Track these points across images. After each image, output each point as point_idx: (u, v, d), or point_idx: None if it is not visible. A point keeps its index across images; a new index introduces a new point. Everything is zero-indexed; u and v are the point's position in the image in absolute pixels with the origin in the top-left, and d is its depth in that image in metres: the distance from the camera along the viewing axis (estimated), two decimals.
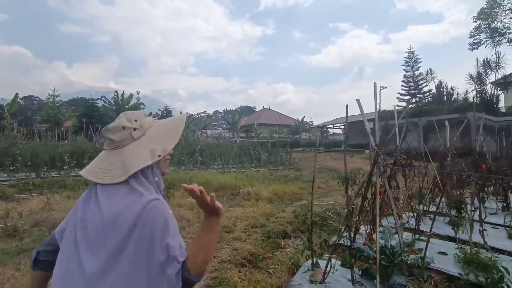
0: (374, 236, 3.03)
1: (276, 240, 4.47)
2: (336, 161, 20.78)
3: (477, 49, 20.08)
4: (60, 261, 0.99)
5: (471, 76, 20.20)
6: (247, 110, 76.17)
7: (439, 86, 27.75)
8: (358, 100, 3.57)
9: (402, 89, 30.86)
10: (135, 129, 1.08)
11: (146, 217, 0.94)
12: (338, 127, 36.50)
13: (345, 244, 3.37)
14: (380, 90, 23.04)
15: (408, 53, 30.34)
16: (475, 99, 19.88)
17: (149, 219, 0.94)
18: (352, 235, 3.05)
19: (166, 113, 44.74)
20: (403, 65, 30.48)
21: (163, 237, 0.93)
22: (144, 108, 35.16)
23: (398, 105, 29.98)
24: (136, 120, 1.10)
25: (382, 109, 24.20)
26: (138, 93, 31.83)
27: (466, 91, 24.12)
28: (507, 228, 4.60)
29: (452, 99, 24.95)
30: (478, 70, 20.00)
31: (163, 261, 0.91)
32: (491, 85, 19.70)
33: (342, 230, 3.14)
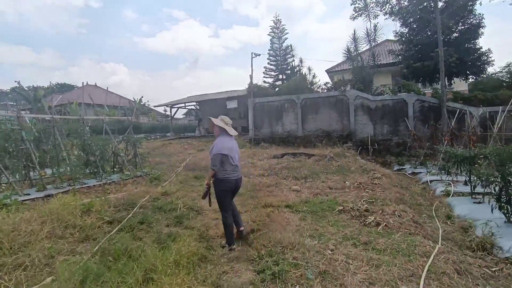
0: None
1: None
2: (202, 151, 14.92)
3: (357, 18, 18.04)
4: (232, 154, 4.33)
5: (348, 50, 18.26)
6: (67, 88, 59.09)
7: (299, 64, 25.83)
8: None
9: (269, 63, 27.07)
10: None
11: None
12: (188, 107, 30.59)
13: None
14: (253, 58, 18.55)
15: (274, 21, 26.66)
16: (353, 76, 18.06)
17: None
18: None
19: None
20: (269, 34, 26.88)
21: None
22: None
23: (264, 82, 26.60)
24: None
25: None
26: None
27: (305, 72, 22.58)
28: None
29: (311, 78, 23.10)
30: (355, 44, 18.18)
31: None
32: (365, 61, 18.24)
33: None
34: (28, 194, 6.37)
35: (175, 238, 4.04)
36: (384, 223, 5.18)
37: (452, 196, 7.71)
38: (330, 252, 4.01)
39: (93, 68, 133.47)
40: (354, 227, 5.05)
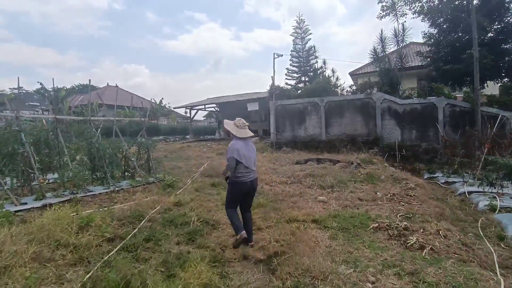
0: None
1: None
2: (221, 155, 14.34)
3: (385, 17, 17.06)
4: (243, 159, 4.16)
5: (375, 51, 17.29)
6: (88, 90, 59.65)
7: (322, 66, 24.88)
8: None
9: (291, 65, 25.74)
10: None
11: None
12: (208, 109, 30.28)
13: None
14: (275, 58, 17.93)
15: (297, 21, 25.33)
16: (379, 79, 17.06)
17: None
18: None
19: None
20: (292, 35, 25.79)
21: None
22: None
23: (287, 84, 25.81)
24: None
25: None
26: None
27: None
28: None
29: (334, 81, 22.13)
30: (382, 44, 17.18)
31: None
32: (393, 63, 17.18)
33: None
34: (25, 204, 5.66)
35: (184, 261, 3.38)
36: (429, 246, 4.36)
37: (500, 211, 6.71)
38: (370, 285, 3.25)
39: (115, 69, 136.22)
40: (394, 250, 4.26)
